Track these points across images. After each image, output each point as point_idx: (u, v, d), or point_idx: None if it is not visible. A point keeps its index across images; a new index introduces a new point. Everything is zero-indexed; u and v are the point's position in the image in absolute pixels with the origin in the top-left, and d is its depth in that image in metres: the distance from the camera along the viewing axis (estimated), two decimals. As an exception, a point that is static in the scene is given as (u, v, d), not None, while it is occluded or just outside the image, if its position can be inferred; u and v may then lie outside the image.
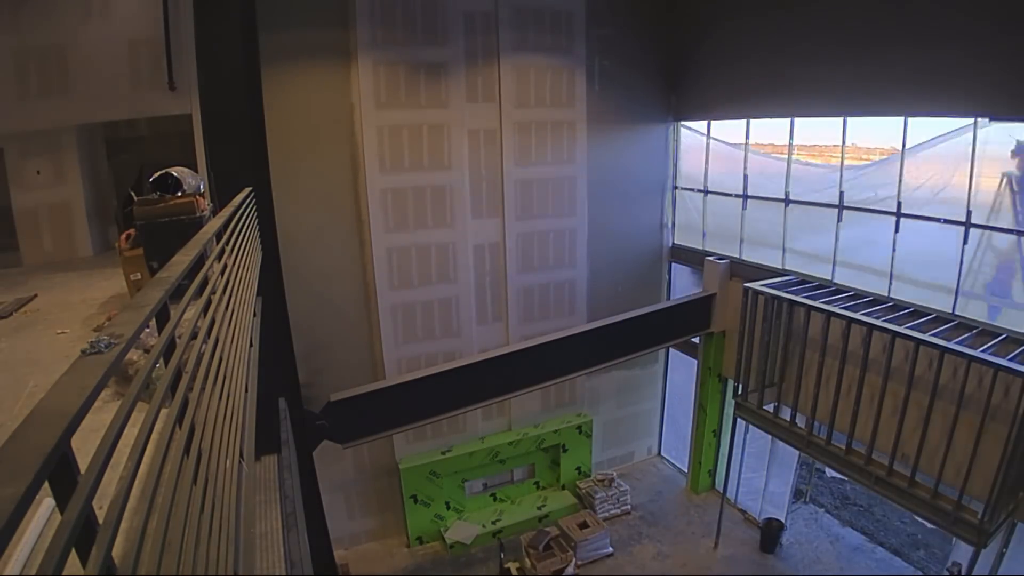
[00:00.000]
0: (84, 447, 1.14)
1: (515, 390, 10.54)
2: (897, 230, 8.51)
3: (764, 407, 9.61)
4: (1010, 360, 6.58)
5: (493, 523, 11.49)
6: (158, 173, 5.00)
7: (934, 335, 7.38)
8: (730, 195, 11.28)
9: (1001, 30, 6.91)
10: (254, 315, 5.28)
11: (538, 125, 10.98)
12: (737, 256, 11.24)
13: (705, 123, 11.67)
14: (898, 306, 8.50)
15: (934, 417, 7.15)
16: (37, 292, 5.65)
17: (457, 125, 10.26)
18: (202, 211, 4.99)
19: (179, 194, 4.92)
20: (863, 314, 8.20)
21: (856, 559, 10.07)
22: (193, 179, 5.22)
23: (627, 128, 11.85)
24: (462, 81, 10.15)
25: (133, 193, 5.33)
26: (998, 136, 7.26)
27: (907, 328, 7.63)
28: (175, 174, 4.98)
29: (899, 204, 8.45)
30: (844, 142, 9.12)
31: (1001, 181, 7.32)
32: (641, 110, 11.94)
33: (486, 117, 10.52)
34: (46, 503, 1.08)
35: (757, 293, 9.52)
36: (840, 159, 9.20)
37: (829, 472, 11.00)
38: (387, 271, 10.24)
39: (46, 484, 0.99)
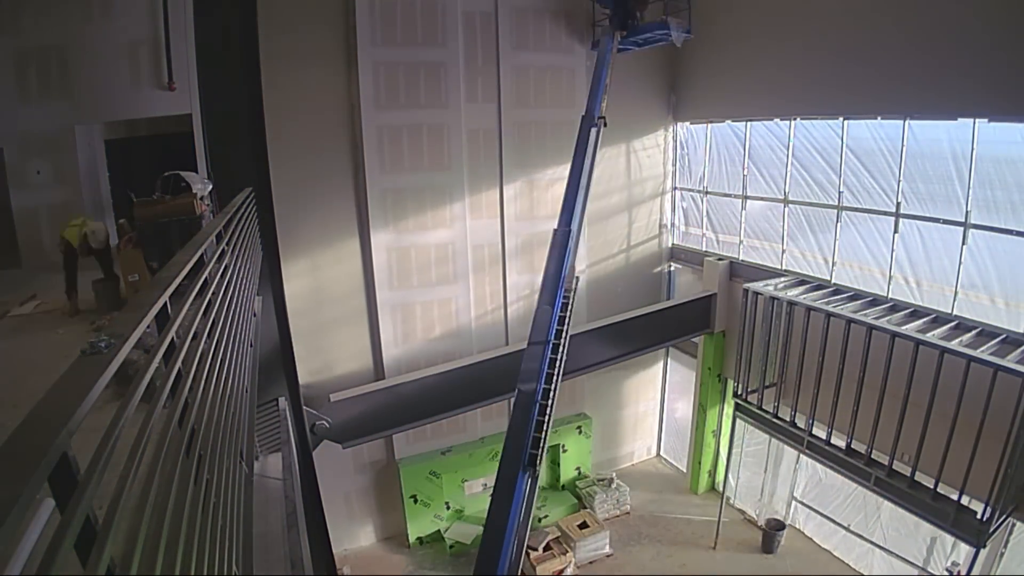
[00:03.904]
0: (84, 447, 1.14)
1: (515, 390, 10.54)
2: (896, 230, 8.52)
3: (764, 407, 9.61)
4: (1010, 360, 6.58)
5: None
6: (167, 174, 5.03)
7: (934, 335, 7.39)
8: (730, 195, 11.29)
9: (1001, 31, 6.92)
10: (254, 315, 5.29)
11: (538, 125, 10.97)
12: (736, 257, 11.26)
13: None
14: (898, 306, 8.51)
15: (934, 417, 7.15)
16: (36, 292, 5.65)
17: (457, 125, 10.26)
18: (201, 212, 5.00)
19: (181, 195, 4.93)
20: (863, 314, 8.21)
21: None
22: (202, 184, 5.25)
23: (627, 128, 11.84)
24: (462, 81, 10.14)
25: (133, 195, 5.33)
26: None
27: (907, 328, 7.63)
28: (184, 177, 5.01)
29: (898, 205, 8.46)
30: (843, 142, 9.12)
31: None
32: (641, 110, 11.94)
33: (486, 117, 10.52)
34: (46, 503, 1.08)
35: (756, 294, 9.52)
36: (840, 161, 9.20)
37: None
38: (387, 271, 10.24)
39: (46, 484, 0.99)
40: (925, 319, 7.98)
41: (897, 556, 9.22)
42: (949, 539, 8.38)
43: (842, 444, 8.37)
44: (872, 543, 9.54)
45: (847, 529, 9.93)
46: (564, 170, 11.25)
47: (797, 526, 10.91)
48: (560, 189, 11.30)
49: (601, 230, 12.03)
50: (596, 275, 12.08)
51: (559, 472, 12.40)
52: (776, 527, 10.62)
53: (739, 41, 10.56)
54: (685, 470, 12.95)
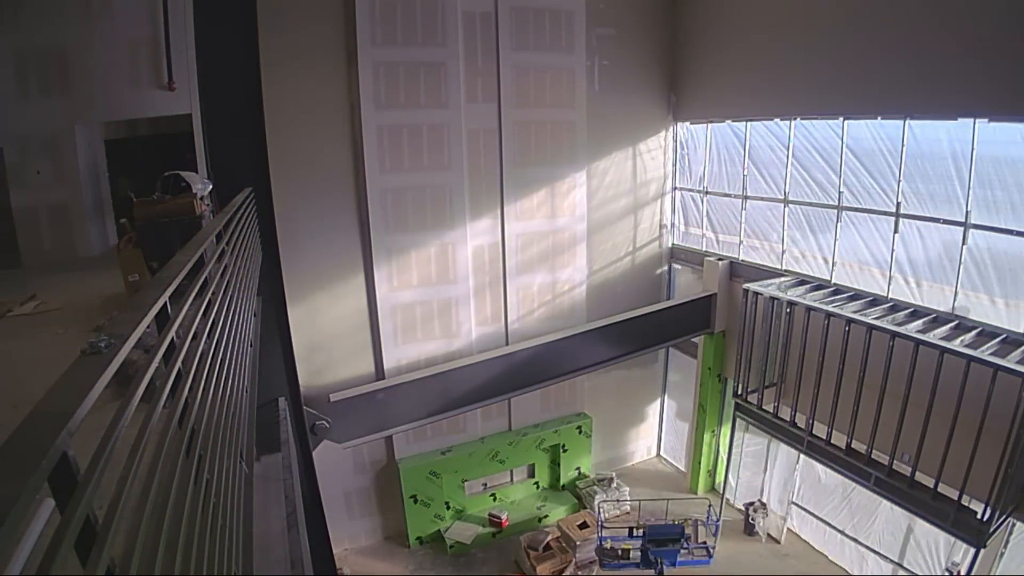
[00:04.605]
0: (84, 447, 1.14)
1: (515, 390, 10.55)
2: (896, 230, 8.52)
3: (764, 407, 9.61)
4: (1010, 360, 6.58)
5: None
6: (167, 174, 5.02)
7: (934, 335, 7.39)
8: (730, 195, 11.29)
9: (1001, 30, 6.92)
10: (254, 315, 5.29)
11: (538, 125, 10.97)
12: (736, 257, 11.27)
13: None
14: (898, 306, 8.51)
15: (934, 417, 7.15)
16: (36, 292, 5.64)
17: (457, 125, 10.26)
18: (201, 212, 4.99)
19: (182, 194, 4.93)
20: (862, 314, 8.21)
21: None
22: (203, 184, 5.23)
23: (627, 128, 11.85)
24: (462, 81, 10.14)
25: (132, 195, 5.33)
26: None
27: (907, 328, 7.63)
28: (184, 176, 5.00)
29: (898, 205, 8.46)
30: (843, 142, 9.12)
31: None
32: (641, 110, 11.94)
33: (486, 117, 10.52)
34: (46, 503, 1.08)
35: (756, 294, 9.52)
36: (840, 161, 9.20)
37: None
38: (387, 270, 10.24)
39: (46, 484, 0.99)
40: (925, 319, 7.98)
41: (891, 560, 9.22)
42: (929, 536, 8.40)
43: (842, 444, 8.37)
44: (867, 547, 9.54)
45: (843, 533, 9.93)
46: (563, 170, 11.33)
47: (793, 528, 10.91)
48: (559, 188, 11.37)
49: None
50: (598, 277, 12.08)
51: (559, 472, 12.40)
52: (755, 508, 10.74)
53: (739, 41, 10.56)
54: (685, 470, 12.95)
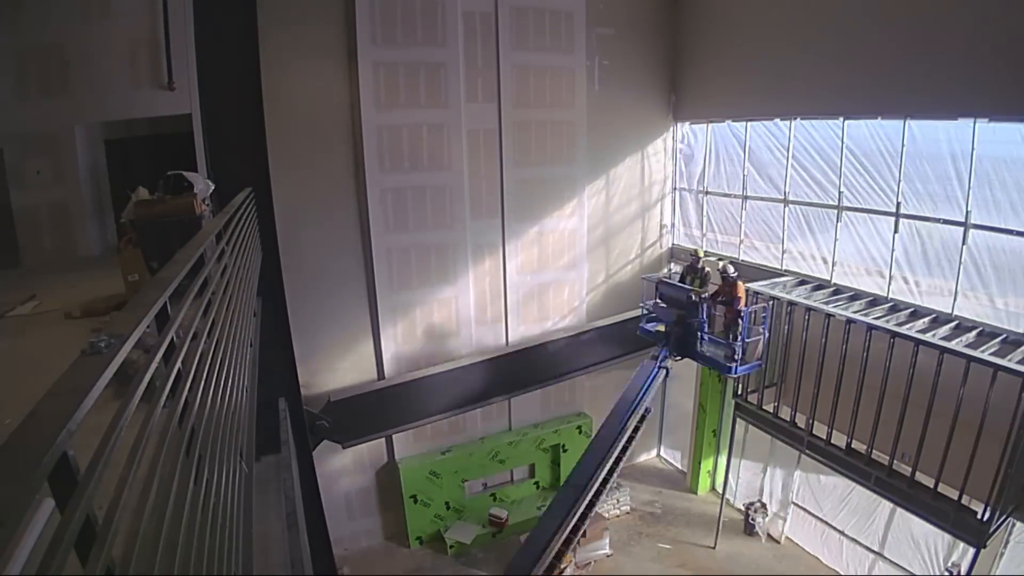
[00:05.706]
0: (84, 447, 1.14)
1: (515, 390, 10.56)
2: (896, 230, 8.51)
3: (764, 407, 9.61)
4: (1010, 360, 6.58)
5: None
6: (169, 174, 5.01)
7: (934, 335, 7.39)
8: (730, 195, 11.29)
9: (1000, 31, 6.92)
10: (254, 315, 5.29)
11: (538, 125, 10.97)
12: (736, 257, 11.26)
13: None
14: (898, 306, 8.51)
15: (934, 417, 7.14)
16: (36, 292, 5.64)
17: (457, 125, 10.26)
18: (201, 212, 4.99)
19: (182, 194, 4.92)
20: (863, 314, 8.21)
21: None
22: (204, 185, 5.23)
23: (627, 128, 11.85)
24: (462, 81, 10.14)
25: (132, 194, 5.32)
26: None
27: (907, 328, 7.63)
28: (187, 176, 4.99)
29: (898, 204, 8.45)
30: (843, 142, 9.12)
31: None
32: (641, 110, 11.93)
33: (486, 117, 10.52)
34: (46, 503, 1.08)
35: (756, 294, 9.52)
36: (840, 160, 9.20)
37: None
38: (387, 271, 10.23)
39: (46, 484, 0.99)
40: (925, 319, 7.98)
41: (890, 561, 9.22)
42: (929, 536, 8.40)
43: (842, 444, 8.37)
44: (867, 548, 9.53)
45: (842, 533, 9.92)
46: (562, 169, 11.33)
47: (789, 534, 10.90)
48: (559, 189, 11.38)
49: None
50: (596, 275, 12.08)
51: (559, 472, 12.39)
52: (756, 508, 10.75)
53: (739, 41, 10.56)
54: (685, 470, 12.95)
